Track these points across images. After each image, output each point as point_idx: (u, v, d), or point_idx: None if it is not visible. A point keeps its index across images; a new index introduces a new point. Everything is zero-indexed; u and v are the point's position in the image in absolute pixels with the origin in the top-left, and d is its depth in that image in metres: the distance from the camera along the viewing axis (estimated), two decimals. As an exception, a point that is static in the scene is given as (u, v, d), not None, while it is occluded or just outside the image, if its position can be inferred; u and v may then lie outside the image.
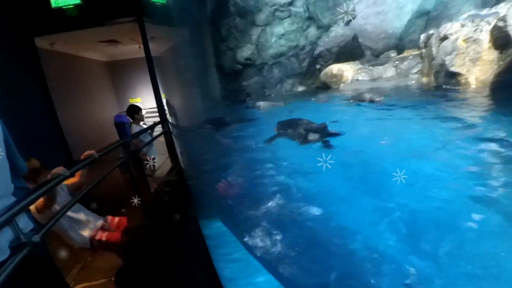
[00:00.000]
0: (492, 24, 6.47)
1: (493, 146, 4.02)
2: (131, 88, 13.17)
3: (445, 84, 7.21)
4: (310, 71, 13.33)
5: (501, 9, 6.83)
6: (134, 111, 5.07)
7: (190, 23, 11.89)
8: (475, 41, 6.68)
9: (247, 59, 13.62)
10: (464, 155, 3.92)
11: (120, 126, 7.88)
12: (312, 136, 5.38)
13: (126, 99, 13.02)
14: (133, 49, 9.77)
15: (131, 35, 7.74)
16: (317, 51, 12.93)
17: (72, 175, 2.14)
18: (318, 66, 13.09)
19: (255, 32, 13.49)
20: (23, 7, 5.69)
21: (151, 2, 6.70)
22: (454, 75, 6.93)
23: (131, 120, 5.12)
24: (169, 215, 3.98)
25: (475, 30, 6.78)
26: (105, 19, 6.41)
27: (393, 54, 11.26)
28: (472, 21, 7.03)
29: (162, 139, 6.22)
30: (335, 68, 11.61)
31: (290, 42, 13.23)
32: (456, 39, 7.02)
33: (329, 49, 12.58)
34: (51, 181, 1.89)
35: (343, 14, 12.33)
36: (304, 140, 5.36)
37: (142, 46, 6.51)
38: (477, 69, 6.62)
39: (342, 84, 10.92)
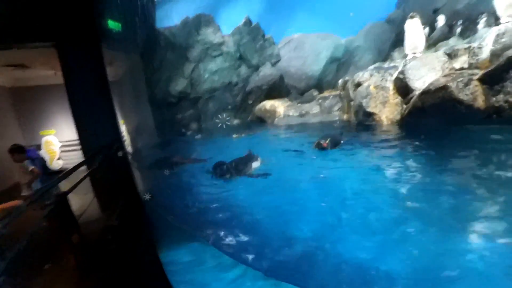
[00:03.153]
0: (394, 75, 8.35)
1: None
2: (43, 118, 11.51)
3: (364, 121, 8.78)
4: (243, 105, 14.14)
5: (398, 63, 8.91)
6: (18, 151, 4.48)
7: (120, 50, 11.33)
8: (383, 88, 8.47)
9: (181, 92, 13.63)
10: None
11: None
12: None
13: (36, 131, 11.33)
14: (45, 75, 8.72)
15: (44, 60, 6.95)
16: (248, 88, 13.92)
17: None
18: (250, 101, 14.01)
19: (188, 67, 13.73)
20: None
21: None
22: (370, 114, 8.54)
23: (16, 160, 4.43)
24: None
25: (381, 80, 8.62)
26: (15, 42, 5.63)
27: (315, 93, 13.00)
28: (378, 72, 8.93)
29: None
30: (268, 104, 12.67)
31: (223, 79, 13.89)
32: (369, 85, 8.75)
33: (259, 87, 13.69)
34: None
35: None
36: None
37: (59, 72, 5.87)
38: (387, 110, 8.35)
39: (276, 119, 11.96)
